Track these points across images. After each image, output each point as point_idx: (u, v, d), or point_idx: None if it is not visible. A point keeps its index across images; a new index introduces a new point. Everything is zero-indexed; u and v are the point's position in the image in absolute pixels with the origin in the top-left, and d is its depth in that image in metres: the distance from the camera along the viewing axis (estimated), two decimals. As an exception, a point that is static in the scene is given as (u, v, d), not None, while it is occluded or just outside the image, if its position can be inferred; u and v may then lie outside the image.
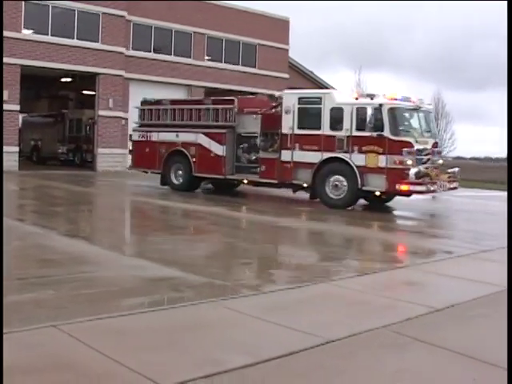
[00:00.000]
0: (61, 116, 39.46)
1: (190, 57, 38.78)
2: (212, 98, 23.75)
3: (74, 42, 32.76)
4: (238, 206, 19.46)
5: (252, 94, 41.40)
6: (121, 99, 34.61)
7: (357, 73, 46.95)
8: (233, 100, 21.45)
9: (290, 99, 19.27)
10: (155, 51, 37.22)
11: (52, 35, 32.02)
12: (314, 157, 18.62)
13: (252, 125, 20.57)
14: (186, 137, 21.99)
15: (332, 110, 18.29)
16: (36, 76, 35.25)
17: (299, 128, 19.01)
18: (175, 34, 38.09)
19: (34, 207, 17.28)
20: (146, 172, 24.34)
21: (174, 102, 23.92)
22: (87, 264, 9.08)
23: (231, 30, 40.35)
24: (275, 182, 19.83)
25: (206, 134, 21.40)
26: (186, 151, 21.89)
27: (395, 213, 19.27)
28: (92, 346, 5.20)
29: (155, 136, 23.04)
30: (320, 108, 18.59)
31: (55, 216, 15.34)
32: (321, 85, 54.44)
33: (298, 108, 19.07)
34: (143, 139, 23.51)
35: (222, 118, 21.25)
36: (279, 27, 43.58)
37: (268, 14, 43.09)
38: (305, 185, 19.07)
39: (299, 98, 19.22)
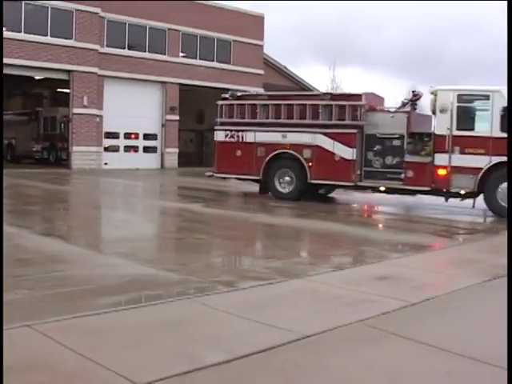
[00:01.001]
0: (35, 114, 39.24)
1: (164, 53, 38.65)
2: (330, 93, 20.68)
3: (48, 39, 32.53)
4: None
5: (226, 90, 41.50)
6: (95, 97, 34.42)
7: (331, 69, 46.82)
8: (360, 96, 18.77)
9: (447, 96, 16.95)
10: (130, 48, 37.05)
11: (25, 33, 31.78)
12: (480, 161, 16.54)
13: (389, 124, 18.15)
14: (297, 137, 19.14)
15: (504, 109, 16.13)
16: (9, 74, 34.94)
17: (459, 129, 16.83)
18: (149, 30, 37.94)
19: (8, 206, 17.15)
20: (240, 179, 21.65)
21: (273, 96, 20.86)
22: (62, 263, 9.03)
23: (206, 26, 40.25)
24: (427, 188, 17.52)
25: (328, 135, 18.66)
26: (297, 154, 19.10)
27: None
28: (67, 346, 5.17)
29: (251, 136, 20.03)
30: (487, 107, 16.58)
31: (30, 215, 15.25)
32: (296, 81, 54.58)
33: (458, 107, 16.85)
34: (233, 140, 20.59)
35: (349, 116, 18.48)
36: (254, 23, 43.54)
37: (242, 10, 43.06)
38: (462, 192, 17.01)
39: (459, 96, 16.90)
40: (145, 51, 37.75)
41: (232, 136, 20.57)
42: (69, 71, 33.41)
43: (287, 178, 19.35)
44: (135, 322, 6.04)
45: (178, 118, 39.05)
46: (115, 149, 36.41)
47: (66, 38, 33.19)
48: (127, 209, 18.12)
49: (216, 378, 4.73)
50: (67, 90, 34.86)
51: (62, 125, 36.48)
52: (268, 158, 19.50)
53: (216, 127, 21.70)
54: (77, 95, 33.75)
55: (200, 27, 40.02)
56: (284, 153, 19.33)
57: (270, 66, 49.88)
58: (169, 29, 38.62)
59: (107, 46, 35.72)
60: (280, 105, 19.53)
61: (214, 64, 41.45)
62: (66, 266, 8.82)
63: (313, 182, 18.98)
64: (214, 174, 21.66)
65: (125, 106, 35.40)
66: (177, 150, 39.13)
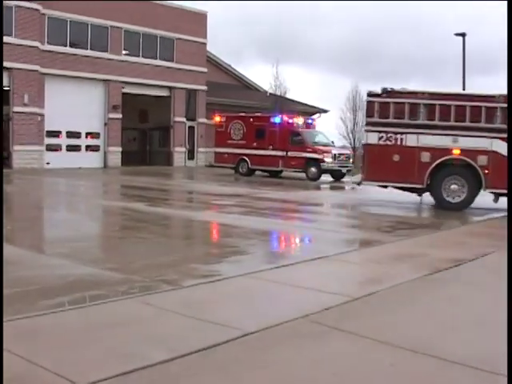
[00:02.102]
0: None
1: (107, 51, 38.28)
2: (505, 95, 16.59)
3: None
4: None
5: (168, 87, 41.31)
6: (36, 95, 33.91)
7: (274, 66, 46.98)
8: None
9: None
10: (71, 46, 36.58)
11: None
12: None
13: None
14: (471, 142, 17.37)
15: None
16: None
17: None
18: (92, 27, 37.52)
19: None
20: (396, 187, 19.01)
21: (437, 95, 18.20)
22: (4, 264, 8.89)
23: (149, 23, 40.00)
24: None
25: (506, 140, 16.62)
26: (470, 161, 17.40)
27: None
28: (8, 348, 5.11)
29: (413, 139, 17.88)
30: None
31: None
32: (239, 78, 54.65)
33: None
34: (389, 143, 18.14)
35: None
36: (197, 21, 43.42)
37: (185, 7, 42.89)
38: None
39: None
40: (87, 49, 37.32)
41: (388, 139, 18.10)
42: (8, 69, 32.79)
43: (454, 187, 17.75)
44: (78, 323, 5.99)
45: (120, 116, 38.72)
46: (57, 148, 35.94)
47: (6, 35, 32.58)
48: (70, 209, 17.91)
49: (159, 376, 4.72)
50: (7, 88, 34.21)
51: (2, 123, 35.79)
52: (435, 165, 17.75)
53: (366, 128, 19.15)
54: (17, 93, 33.19)
55: (143, 25, 39.74)
56: (454, 159, 17.71)
57: (214, 63, 49.84)
58: (111, 26, 38.25)
59: (48, 43, 35.19)
60: (449, 105, 17.60)
61: (158, 62, 41.23)
62: (9, 267, 8.68)
63: (489, 191, 17.48)
64: (363, 182, 19.36)
65: (67, 105, 34.90)
66: (120, 149, 38.80)
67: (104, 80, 37.82)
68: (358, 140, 53.06)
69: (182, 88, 42.54)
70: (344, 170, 32.18)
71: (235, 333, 5.66)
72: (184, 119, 43.13)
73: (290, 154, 32.16)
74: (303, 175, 32.04)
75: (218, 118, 35.50)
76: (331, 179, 32.02)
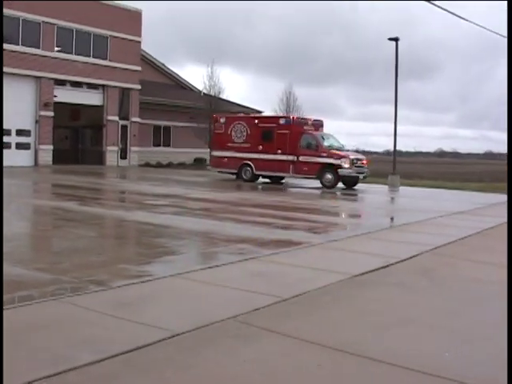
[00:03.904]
0: None
1: (38, 47, 37.63)
2: None
3: None
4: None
5: (103, 86, 40.88)
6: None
7: (209, 66, 46.97)
8: None
9: None
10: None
11: None
12: None
13: None
14: None
15: None
16: None
17: None
18: (23, 23, 36.84)
19: None
20: None
21: None
22: None
23: (82, 20, 39.50)
24: None
25: None
26: None
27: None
28: None
29: None
30: None
31: None
32: (173, 78, 54.47)
33: None
34: None
35: None
36: (131, 19, 43.11)
37: (120, 5, 42.51)
38: None
39: None
40: (18, 44, 36.62)
41: None
42: None
43: None
44: (4, 325, 5.88)
45: (52, 114, 38.13)
46: (-15, 145, 35.19)
47: None
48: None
49: (87, 378, 4.67)
50: None
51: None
52: None
53: None
54: None
55: (77, 21, 39.22)
56: None
57: (148, 62, 49.57)
58: (43, 22, 37.62)
59: (-23, 38, 34.43)
60: None
61: (91, 59, 40.76)
62: None
63: None
64: None
65: (-4, 101, 34.20)
66: (51, 147, 38.21)
67: (35, 76, 37.18)
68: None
69: (115, 86, 42.15)
70: (361, 177, 29.88)
71: (164, 334, 5.64)
72: (117, 118, 42.74)
73: (301, 158, 29.73)
74: (308, 182, 30.50)
75: (216, 119, 33.23)
76: (342, 186, 29.86)
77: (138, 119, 43.82)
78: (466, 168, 73.14)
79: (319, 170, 29.25)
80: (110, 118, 42.26)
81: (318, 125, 31.81)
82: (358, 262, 9.83)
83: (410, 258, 10.50)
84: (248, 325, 6.10)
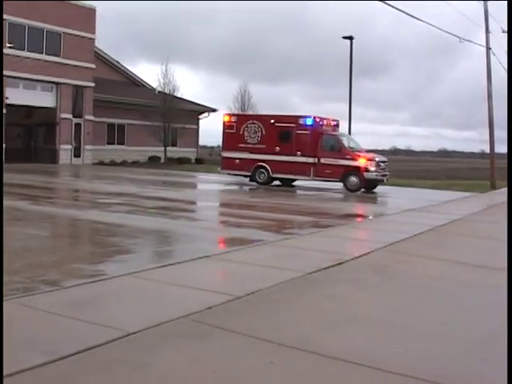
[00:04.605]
0: None
1: (-11, 44, 37.03)
2: None
3: None
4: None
5: (55, 83, 40.44)
6: None
7: (163, 64, 46.79)
8: None
9: None
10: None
11: None
12: None
13: None
14: None
15: None
16: None
17: None
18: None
19: None
20: None
21: None
22: None
23: (35, 16, 38.96)
24: None
25: None
26: None
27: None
28: None
29: None
30: None
31: None
32: (127, 75, 54.11)
33: None
34: None
35: None
36: (85, 16, 42.68)
37: (74, 2, 42.04)
38: None
39: None
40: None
41: None
42: None
43: None
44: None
45: (4, 111, 37.54)
46: None
47: None
48: None
49: (38, 380, 4.61)
50: None
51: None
52: None
53: None
54: None
55: (29, 17, 38.67)
56: None
57: (102, 60, 49.14)
58: (-6, 18, 37.05)
59: None
60: None
61: (43, 56, 40.24)
62: None
63: None
64: None
65: None
66: (2, 146, 37.59)
67: (-15, 74, 36.58)
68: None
69: (68, 84, 41.70)
70: (385, 180, 28.73)
71: (116, 333, 5.60)
72: (70, 116, 42.29)
73: (322, 160, 28.26)
74: (320, 184, 29.66)
75: (226, 118, 31.43)
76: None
77: (91, 117, 43.42)
78: (421, 165, 74.05)
79: (343, 173, 27.82)
80: (63, 115, 41.80)
81: (335, 125, 30.69)
82: (311, 260, 9.87)
83: (363, 255, 10.58)
84: (201, 323, 6.08)
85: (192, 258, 9.64)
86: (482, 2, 34.68)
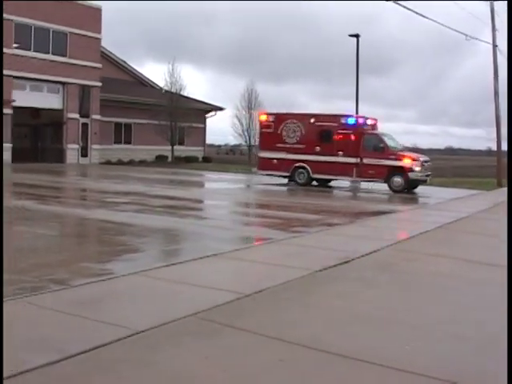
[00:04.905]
0: None
1: (-5, 44, 37.10)
2: None
3: None
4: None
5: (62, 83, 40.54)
6: None
7: (170, 63, 46.90)
8: None
9: None
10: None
11: None
12: None
13: None
14: None
15: None
16: None
17: None
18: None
19: None
20: None
21: None
22: None
23: (41, 16, 39.00)
24: None
25: None
26: None
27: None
28: None
29: None
30: None
31: None
32: (134, 75, 54.12)
33: None
34: None
35: None
36: (91, 15, 42.70)
37: (80, 1, 42.07)
38: None
39: None
40: (-26, 41, 36.07)
41: None
42: None
43: None
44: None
45: (11, 111, 37.61)
46: None
47: None
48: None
49: (46, 378, 4.59)
50: None
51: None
52: None
53: None
54: None
55: (35, 17, 38.71)
56: None
57: (108, 59, 49.17)
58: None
59: None
60: None
61: (50, 56, 40.28)
62: None
63: None
64: None
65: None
66: (10, 145, 37.67)
67: (-8, 74, 36.63)
68: (253, 138, 53.54)
69: (75, 84, 41.73)
70: (428, 180, 28.33)
71: (124, 332, 5.57)
72: (77, 116, 42.33)
73: (365, 161, 27.57)
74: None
75: (264, 117, 30.74)
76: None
77: (98, 117, 43.46)
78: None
79: (387, 174, 27.20)
80: (70, 115, 41.85)
81: (374, 124, 30.00)
82: (318, 258, 9.83)
83: (371, 253, 10.54)
84: (209, 321, 6.06)
85: (200, 257, 9.60)
86: (488, 1, 34.64)
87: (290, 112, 30.63)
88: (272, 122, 29.89)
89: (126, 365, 4.90)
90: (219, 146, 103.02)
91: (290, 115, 29.95)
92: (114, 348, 5.23)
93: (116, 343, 5.32)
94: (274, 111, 30.93)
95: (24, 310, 6.30)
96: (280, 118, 29.84)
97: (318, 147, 28.44)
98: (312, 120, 29.03)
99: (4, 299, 6.67)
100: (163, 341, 5.46)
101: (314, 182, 29.25)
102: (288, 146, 29.12)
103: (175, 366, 4.95)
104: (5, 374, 4.51)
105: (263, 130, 30.44)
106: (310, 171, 28.66)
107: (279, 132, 29.42)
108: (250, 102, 55.01)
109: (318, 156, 28.40)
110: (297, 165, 28.91)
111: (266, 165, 29.95)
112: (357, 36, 41.10)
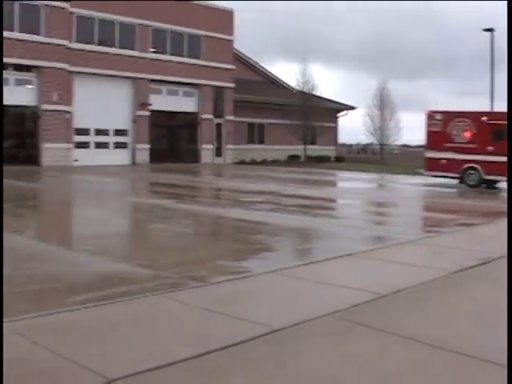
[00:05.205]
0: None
1: (134, 49, 38.42)
2: None
3: (17, 35, 32.17)
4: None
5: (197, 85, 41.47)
6: (65, 93, 34.11)
7: (302, 63, 47.03)
8: None
9: None
10: (99, 44, 36.76)
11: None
12: None
13: None
14: None
15: None
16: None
17: None
18: (119, 25, 37.68)
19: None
20: None
21: None
22: (34, 260, 8.97)
23: (176, 21, 40.06)
24: None
25: None
26: None
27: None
28: (38, 342, 5.15)
29: None
30: None
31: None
32: (266, 75, 54.67)
33: None
34: None
35: None
36: (223, 18, 43.45)
37: (213, 5, 42.93)
38: None
39: None
40: (115, 47, 37.49)
41: None
42: (37, 67, 33.06)
43: None
44: (107, 319, 6.02)
45: (149, 113, 38.85)
46: (85, 145, 36.15)
47: (35, 34, 32.87)
48: (98, 206, 17.97)
49: (190, 372, 4.74)
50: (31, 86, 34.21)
51: (32, 121, 35.85)
52: None
53: None
54: (46, 91, 33.41)
55: (170, 22, 39.82)
56: None
57: (240, 60, 49.87)
58: (138, 24, 38.38)
59: (77, 41, 35.40)
60: None
61: (185, 59, 41.30)
62: (38, 263, 8.76)
63: None
64: None
65: (95, 102, 35.10)
66: (148, 146, 38.93)
67: (131, 77, 37.95)
68: (386, 137, 52.92)
69: (209, 85, 42.58)
70: None
71: (263, 329, 5.65)
72: (211, 116, 43.17)
73: None
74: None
75: (431, 115, 28.96)
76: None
77: (232, 117, 44.16)
78: None
79: None
80: (204, 116, 42.73)
81: None
82: (456, 259, 9.59)
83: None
84: (347, 321, 6.05)
85: (334, 256, 9.59)
86: None
87: (459, 110, 28.99)
88: (440, 120, 28.36)
89: (265, 361, 4.97)
90: (350, 145, 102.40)
91: (460, 113, 28.25)
92: (253, 345, 5.32)
93: (255, 340, 5.41)
94: (442, 109, 29.41)
95: (167, 305, 6.52)
96: (448, 116, 28.28)
97: (490, 147, 26.53)
98: (483, 118, 27.19)
99: (148, 294, 6.92)
100: (301, 339, 5.50)
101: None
102: (457, 145, 27.54)
103: (313, 364, 4.97)
104: (152, 365, 4.68)
105: (430, 128, 28.83)
106: (482, 172, 26.87)
107: (447, 131, 27.93)
108: (382, 101, 54.29)
109: (490, 156, 26.46)
110: (467, 165, 27.19)
111: (433, 165, 28.25)
112: (491, 30, 39.82)
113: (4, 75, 32.57)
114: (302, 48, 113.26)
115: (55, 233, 12.49)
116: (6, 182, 23.47)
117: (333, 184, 30.51)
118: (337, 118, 55.08)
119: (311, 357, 5.12)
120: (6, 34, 31.37)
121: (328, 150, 52.20)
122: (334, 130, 55.00)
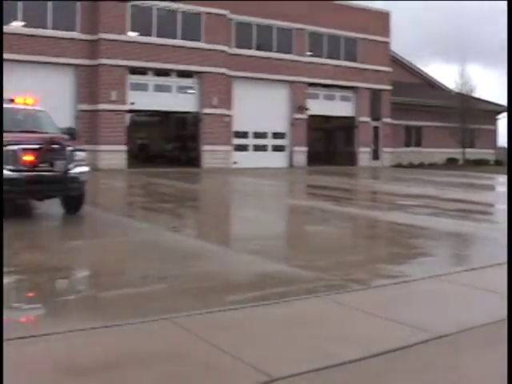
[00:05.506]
0: (166, 115, 39.94)
1: (291, 53, 38.87)
2: None
3: (178, 42, 33.43)
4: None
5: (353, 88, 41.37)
6: (224, 97, 35.02)
7: (460, 64, 45.84)
8: None
9: None
10: (257, 48, 37.51)
11: (157, 36, 32.89)
12: None
13: None
14: None
15: None
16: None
17: None
18: (276, 30, 38.27)
19: (143, 204, 17.73)
20: None
21: None
22: (196, 259, 9.27)
23: (331, 25, 40.17)
24: None
25: None
26: None
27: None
28: (203, 338, 5.33)
29: None
30: None
31: (164, 212, 15.61)
32: (422, 77, 53.73)
33: None
34: None
35: None
36: (380, 20, 43.11)
37: (368, 7, 42.70)
38: None
39: None
40: (272, 51, 38.09)
41: None
42: (198, 72, 34.18)
43: None
44: (268, 318, 6.14)
45: (306, 117, 39.16)
46: (244, 148, 36.95)
47: (195, 41, 34.00)
48: (257, 207, 18.27)
49: (352, 375, 4.76)
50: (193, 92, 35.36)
51: (192, 125, 37.06)
52: None
53: None
54: (206, 95, 34.45)
55: (326, 26, 39.98)
56: None
57: (397, 62, 49.26)
58: (295, 28, 38.81)
59: (235, 47, 36.29)
60: None
61: (341, 62, 41.31)
62: (200, 262, 9.06)
63: None
64: None
65: (253, 106, 35.84)
66: (305, 149, 39.25)
67: (289, 81, 38.40)
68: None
69: (366, 88, 42.36)
70: None
71: (426, 335, 5.58)
72: (369, 119, 42.92)
73: None
74: None
75: None
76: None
77: (389, 120, 43.71)
78: None
79: None
80: (361, 119, 42.55)
81: None
82: None
83: None
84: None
85: (498, 263, 9.28)
86: None
87: None
88: None
89: (430, 368, 4.90)
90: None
91: None
92: (416, 350, 5.26)
93: (418, 346, 5.34)
94: None
95: (329, 307, 6.57)
96: None
97: None
98: None
99: (309, 296, 7.00)
100: (466, 347, 5.40)
101: None
102: None
103: (478, 375, 4.86)
104: (316, 366, 4.75)
105: None
106: None
107: None
108: None
109: None
110: None
111: None
112: None
113: (167, 82, 33.99)
114: (456, 48, 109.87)
115: (215, 233, 12.85)
116: (168, 183, 24.50)
117: (491, 188, 29.48)
118: (495, 120, 53.30)
119: (473, 367, 5.00)
120: (170, 41, 32.75)
121: (487, 153, 50.54)
122: (493, 132, 53.24)
